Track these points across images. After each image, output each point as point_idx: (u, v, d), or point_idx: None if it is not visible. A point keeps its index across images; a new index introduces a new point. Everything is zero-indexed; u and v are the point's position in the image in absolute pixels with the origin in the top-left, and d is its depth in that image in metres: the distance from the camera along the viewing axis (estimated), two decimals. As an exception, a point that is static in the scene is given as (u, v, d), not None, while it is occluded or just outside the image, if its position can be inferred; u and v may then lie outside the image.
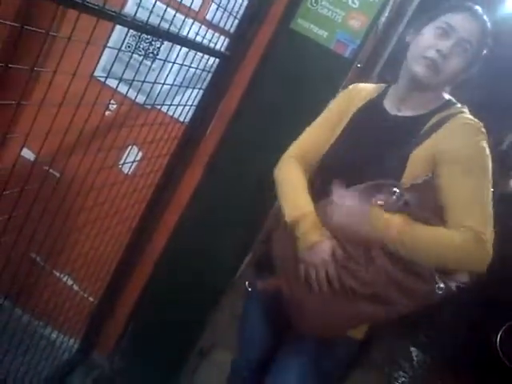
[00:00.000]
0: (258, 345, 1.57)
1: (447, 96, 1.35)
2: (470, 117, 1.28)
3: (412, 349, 4.33)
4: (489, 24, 1.29)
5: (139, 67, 1.41)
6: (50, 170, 1.57)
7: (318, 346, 1.35)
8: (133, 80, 1.33)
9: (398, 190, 1.20)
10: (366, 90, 1.47)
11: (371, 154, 1.31)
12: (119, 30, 1.77)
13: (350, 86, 1.53)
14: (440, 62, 1.26)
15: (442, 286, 1.18)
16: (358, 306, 1.22)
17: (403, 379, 3.81)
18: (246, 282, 1.37)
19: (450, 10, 1.29)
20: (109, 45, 1.61)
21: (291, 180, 1.42)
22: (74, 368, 2.04)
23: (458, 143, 1.23)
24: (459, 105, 1.33)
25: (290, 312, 1.32)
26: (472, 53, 1.27)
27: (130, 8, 1.80)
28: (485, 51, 1.31)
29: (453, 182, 1.21)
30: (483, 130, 1.24)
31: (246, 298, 1.59)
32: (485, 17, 1.28)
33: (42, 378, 1.82)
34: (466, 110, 1.31)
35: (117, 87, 1.30)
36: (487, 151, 1.22)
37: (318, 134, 1.46)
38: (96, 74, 1.50)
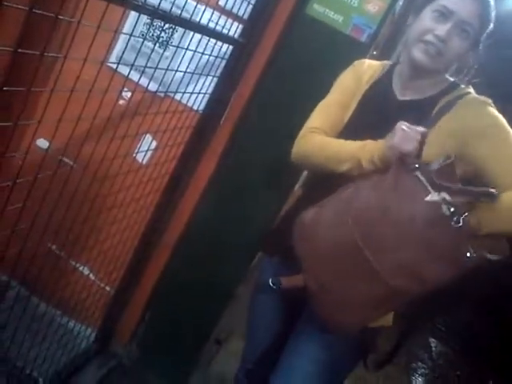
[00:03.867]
0: (269, 331, 1.55)
1: (451, 78, 1.33)
2: (478, 96, 1.28)
3: (431, 340, 4.30)
4: (491, 1, 1.24)
5: (151, 54, 1.40)
6: (64, 159, 1.57)
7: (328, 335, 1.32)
8: (145, 67, 1.32)
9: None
10: (372, 67, 1.44)
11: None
12: (132, 18, 1.76)
13: (355, 62, 1.49)
14: (439, 47, 1.23)
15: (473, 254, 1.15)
16: (388, 284, 1.17)
17: (422, 370, 3.78)
18: (270, 280, 1.31)
19: None
20: (122, 33, 1.60)
21: (329, 141, 1.35)
22: (91, 357, 2.05)
23: (476, 117, 1.24)
24: (463, 85, 1.31)
25: (316, 309, 1.28)
26: (474, 34, 1.24)
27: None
28: (490, 28, 1.27)
29: (492, 152, 1.20)
30: (492, 105, 1.25)
31: (259, 291, 1.57)
32: None
33: (59, 366, 1.83)
34: (471, 90, 1.30)
35: (128, 74, 1.28)
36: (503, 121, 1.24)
37: (333, 112, 1.42)
38: (109, 61, 1.50)
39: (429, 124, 1.23)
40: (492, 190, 1.13)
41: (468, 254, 1.12)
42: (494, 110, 1.24)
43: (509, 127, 1.23)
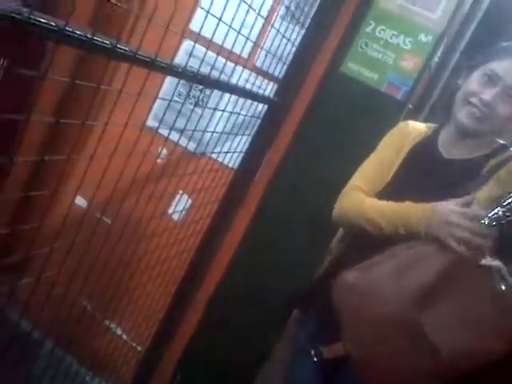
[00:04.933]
0: None
1: (501, 140, 1.30)
2: None
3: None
4: None
5: (191, 115, 1.42)
6: (103, 218, 1.59)
7: None
8: (183, 129, 1.34)
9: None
10: (417, 129, 1.43)
11: (433, 197, 1.25)
12: (170, 79, 1.81)
13: (401, 124, 1.49)
14: (483, 111, 1.23)
15: None
16: (438, 360, 1.11)
17: None
18: (312, 351, 1.27)
19: (497, 55, 1.26)
20: (160, 93, 1.64)
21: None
22: (122, 419, 2.00)
23: None
24: None
25: (358, 374, 1.23)
26: None
27: (180, 57, 1.84)
28: None
29: None
30: None
31: (295, 358, 1.52)
32: None
33: (90, 429, 1.79)
34: None
35: (168, 135, 1.30)
36: None
37: (375, 171, 1.41)
38: (148, 122, 1.53)
39: (478, 184, 1.21)
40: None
41: None
42: None
43: None
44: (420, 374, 1.17)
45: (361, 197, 1.36)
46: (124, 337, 2.00)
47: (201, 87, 1.78)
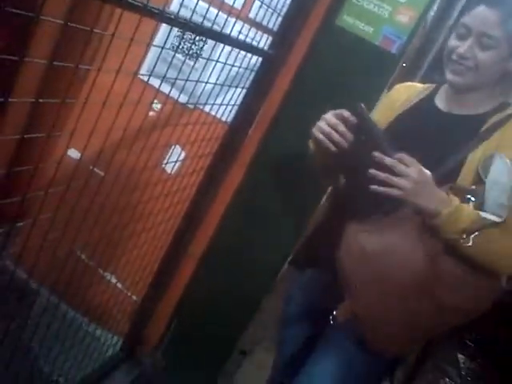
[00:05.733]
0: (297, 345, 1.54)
1: (502, 97, 1.29)
2: None
3: (459, 356, 4.21)
4: None
5: (182, 66, 1.41)
6: (95, 169, 1.60)
7: (362, 352, 1.30)
8: (175, 79, 1.33)
9: (472, 199, 1.15)
10: (415, 88, 1.44)
11: (424, 154, 1.25)
12: (163, 31, 1.78)
13: (397, 85, 1.49)
14: (464, 64, 1.23)
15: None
16: (441, 315, 1.18)
17: (450, 387, 3.71)
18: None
19: (469, 7, 1.25)
20: (153, 45, 1.62)
21: None
22: (118, 365, 2.07)
23: None
24: None
25: (364, 333, 1.25)
26: (500, 45, 1.20)
27: (173, 8, 1.81)
28: None
29: None
30: None
31: (290, 322, 1.57)
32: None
33: (85, 373, 1.85)
34: None
35: (159, 86, 1.30)
36: None
37: None
38: (141, 74, 1.51)
39: (476, 142, 1.20)
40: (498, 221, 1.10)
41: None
42: None
43: None
44: (423, 328, 1.24)
45: None
46: (119, 286, 2.04)
47: (194, 37, 1.76)
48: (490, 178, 1.12)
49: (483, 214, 1.11)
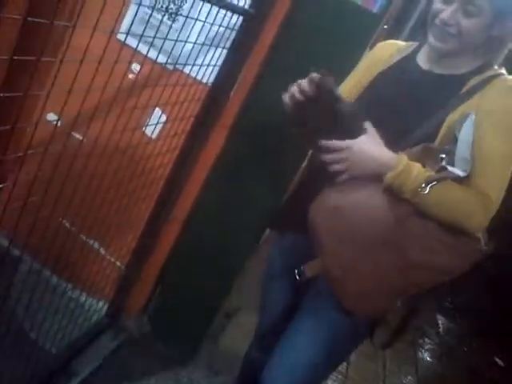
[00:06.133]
0: (279, 309, 1.56)
1: (483, 58, 1.28)
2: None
3: (438, 316, 4.32)
4: None
5: (160, 26, 1.37)
6: (74, 133, 1.56)
7: (340, 314, 1.31)
8: (153, 38, 1.30)
9: (444, 156, 1.16)
10: (397, 45, 1.43)
11: (404, 113, 1.26)
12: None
13: (380, 43, 1.48)
14: (447, 30, 1.21)
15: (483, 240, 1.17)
16: (412, 274, 1.19)
17: (429, 346, 3.81)
18: (296, 271, 1.28)
19: None
20: (130, 4, 1.58)
21: None
22: (103, 330, 2.08)
23: (502, 107, 1.20)
24: (496, 66, 1.27)
25: (337, 293, 1.27)
26: (484, 13, 1.18)
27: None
28: None
29: (486, 143, 1.17)
30: None
31: (271, 280, 1.59)
32: None
33: (71, 339, 1.85)
34: (504, 71, 1.26)
35: (137, 46, 1.26)
36: None
37: (352, 84, 1.42)
38: (119, 36, 1.48)
39: (457, 103, 1.21)
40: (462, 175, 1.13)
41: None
42: None
43: None
44: (394, 287, 1.23)
45: None
46: (102, 252, 2.03)
47: (172, -5, 1.71)
48: (460, 135, 1.15)
49: (450, 168, 1.14)
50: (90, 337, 1.99)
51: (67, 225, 1.66)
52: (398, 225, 1.17)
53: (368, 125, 1.22)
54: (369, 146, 1.19)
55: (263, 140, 1.91)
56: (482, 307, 4.59)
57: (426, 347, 3.78)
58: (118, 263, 2.06)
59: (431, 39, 1.25)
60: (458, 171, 1.13)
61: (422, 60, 1.34)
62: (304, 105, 1.22)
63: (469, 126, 1.14)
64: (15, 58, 0.82)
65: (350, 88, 1.42)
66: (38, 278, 1.50)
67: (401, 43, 1.45)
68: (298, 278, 1.28)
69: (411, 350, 3.65)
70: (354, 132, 1.20)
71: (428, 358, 3.65)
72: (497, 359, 3.97)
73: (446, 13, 1.20)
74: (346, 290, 1.25)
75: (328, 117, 1.19)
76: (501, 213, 1.20)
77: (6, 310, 1.50)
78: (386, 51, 1.42)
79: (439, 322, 4.29)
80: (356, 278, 1.23)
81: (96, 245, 2.03)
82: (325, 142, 1.21)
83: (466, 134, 1.14)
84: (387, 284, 1.23)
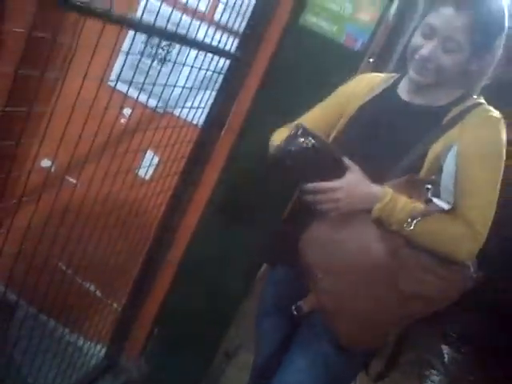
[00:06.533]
0: (273, 345, 1.55)
1: (462, 89, 1.31)
2: (491, 108, 1.26)
3: (443, 346, 4.28)
4: (486, 12, 1.21)
5: (149, 71, 1.42)
6: (69, 178, 1.60)
7: (335, 348, 1.30)
8: (143, 83, 1.35)
9: (430, 187, 1.19)
10: (378, 77, 1.46)
11: (387, 146, 1.28)
12: (130, 37, 1.79)
13: (358, 77, 1.53)
14: (426, 66, 1.24)
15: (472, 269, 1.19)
16: (406, 305, 1.20)
17: (434, 377, 3.76)
18: (293, 307, 1.28)
19: (435, 6, 1.24)
20: (120, 52, 1.64)
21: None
22: (102, 373, 2.06)
23: (482, 137, 1.23)
24: (475, 96, 1.30)
25: (328, 325, 1.27)
26: (463, 49, 1.21)
27: (140, 12, 1.82)
28: (499, 40, 1.25)
29: (470, 173, 1.20)
30: (503, 122, 1.24)
31: (264, 315, 1.60)
32: (479, 5, 1.20)
33: (70, 383, 1.84)
34: (483, 100, 1.29)
35: (127, 91, 1.31)
36: (504, 148, 1.22)
37: (316, 113, 1.48)
38: (110, 82, 1.53)
39: (438, 134, 1.24)
40: (446, 208, 1.16)
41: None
42: (500, 132, 1.23)
43: (503, 157, 1.22)
44: (388, 319, 1.25)
45: (286, 130, 1.41)
46: (99, 294, 2.03)
47: (159, 42, 1.78)
48: (444, 167, 1.18)
49: (435, 200, 1.17)
50: (89, 380, 1.97)
51: (63, 268, 1.68)
52: (390, 256, 1.18)
53: (349, 161, 1.25)
54: (356, 182, 1.22)
55: (255, 178, 1.94)
56: (487, 335, 4.55)
57: (432, 378, 3.73)
58: (115, 305, 2.06)
59: (411, 73, 1.28)
60: (443, 204, 1.16)
61: (403, 91, 1.37)
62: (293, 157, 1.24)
63: (451, 157, 1.18)
64: (7, 109, 0.86)
65: (318, 120, 1.46)
66: (34, 323, 1.51)
67: (381, 75, 1.48)
68: (295, 313, 1.28)
69: (417, 381, 3.60)
70: (339, 171, 1.23)
71: (433, 389, 3.61)
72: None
73: (426, 49, 1.22)
74: (340, 323, 1.25)
75: (315, 163, 1.23)
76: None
77: (4, 355, 1.50)
78: (365, 84, 1.44)
79: (444, 351, 4.24)
80: (350, 311, 1.24)
81: (92, 287, 2.04)
82: (314, 185, 1.22)
83: (449, 165, 1.17)
84: (382, 316, 1.24)
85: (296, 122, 1.34)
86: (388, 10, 1.80)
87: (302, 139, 1.20)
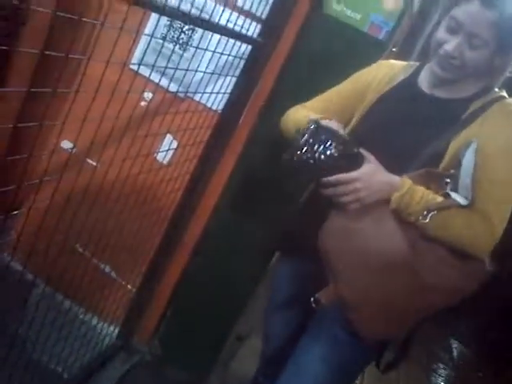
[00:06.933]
0: (285, 334, 1.56)
1: (484, 82, 1.29)
2: None
3: (452, 341, 4.27)
4: None
5: (171, 55, 1.42)
6: (88, 160, 1.61)
7: (350, 338, 1.30)
8: (165, 68, 1.34)
9: (449, 181, 1.19)
10: (397, 66, 1.44)
11: (407, 137, 1.27)
12: (153, 21, 1.79)
13: (380, 61, 1.50)
14: (451, 62, 1.22)
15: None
16: (425, 296, 1.20)
17: (443, 371, 3.76)
18: (312, 299, 1.26)
19: (461, 0, 1.20)
20: (142, 36, 1.63)
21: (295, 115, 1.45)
22: (115, 354, 2.09)
23: (503, 133, 1.21)
24: (497, 89, 1.29)
25: (349, 316, 1.27)
26: (488, 45, 1.19)
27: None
28: None
29: (489, 169, 1.19)
30: None
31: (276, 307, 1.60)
32: (507, 2, 1.17)
33: (83, 362, 1.87)
34: (504, 93, 1.28)
35: (149, 76, 1.31)
36: None
37: (328, 98, 1.50)
38: (132, 65, 1.53)
39: (460, 127, 1.22)
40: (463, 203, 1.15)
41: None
42: None
43: None
44: (407, 310, 1.24)
45: (299, 109, 1.43)
46: (114, 275, 2.06)
47: (182, 27, 1.77)
48: (463, 162, 1.17)
49: (453, 195, 1.16)
50: (102, 360, 2.01)
51: (80, 249, 1.70)
52: (409, 247, 1.18)
53: (365, 152, 1.24)
54: (374, 173, 1.21)
55: (272, 164, 1.94)
56: (497, 330, 4.52)
57: (440, 372, 3.73)
58: (130, 286, 2.09)
59: (435, 67, 1.26)
60: (460, 199, 1.15)
61: (424, 83, 1.35)
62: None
63: (471, 153, 1.16)
64: (32, 90, 0.87)
65: (333, 105, 1.47)
66: (50, 302, 1.53)
67: (401, 63, 1.46)
68: (314, 306, 1.26)
69: (424, 375, 3.60)
70: (357, 163, 1.22)
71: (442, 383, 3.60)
72: (513, 384, 3.90)
73: (451, 45, 1.20)
74: (360, 315, 1.25)
75: (332, 161, 1.21)
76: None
77: (19, 334, 1.53)
78: (384, 72, 1.42)
79: (453, 346, 4.23)
80: (370, 302, 1.23)
81: (107, 268, 2.06)
82: (333, 178, 1.21)
83: (467, 161, 1.16)
84: (401, 307, 1.23)
85: (311, 117, 1.32)
86: (413, -1, 1.78)
87: (318, 137, 1.19)
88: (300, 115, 1.44)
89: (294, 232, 1.52)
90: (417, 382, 3.44)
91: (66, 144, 1.87)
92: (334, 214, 1.26)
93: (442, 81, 1.30)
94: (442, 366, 3.82)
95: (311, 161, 1.18)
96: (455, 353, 4.13)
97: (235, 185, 1.99)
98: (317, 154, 1.18)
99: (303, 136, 1.19)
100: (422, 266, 1.18)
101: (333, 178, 1.20)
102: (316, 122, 1.21)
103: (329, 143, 1.18)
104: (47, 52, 0.86)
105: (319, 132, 1.19)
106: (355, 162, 1.22)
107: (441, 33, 1.24)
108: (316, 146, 1.18)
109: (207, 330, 2.12)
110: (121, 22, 1.04)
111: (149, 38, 1.27)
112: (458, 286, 1.20)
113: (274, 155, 1.91)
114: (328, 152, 1.18)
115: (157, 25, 1.22)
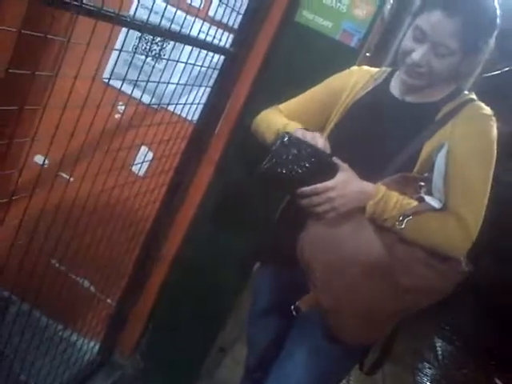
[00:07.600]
0: (268, 341, 1.56)
1: (454, 85, 1.32)
2: (482, 105, 1.27)
3: (436, 339, 4.30)
4: (477, 14, 1.19)
5: (143, 67, 1.42)
6: (62, 174, 1.59)
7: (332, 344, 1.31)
8: (136, 80, 1.34)
9: (423, 184, 1.20)
10: (370, 72, 1.45)
11: (380, 143, 1.29)
12: (124, 33, 1.78)
13: (353, 68, 1.51)
14: (418, 71, 1.24)
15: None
16: (404, 298, 1.21)
17: (428, 370, 3.78)
18: (292, 307, 1.26)
19: (424, 8, 1.22)
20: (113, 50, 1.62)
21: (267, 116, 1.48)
22: (96, 370, 2.06)
23: (473, 134, 1.23)
24: (467, 91, 1.31)
25: (329, 323, 1.27)
26: (455, 53, 1.20)
27: (133, 11, 1.80)
28: (491, 39, 1.25)
29: (460, 170, 1.21)
30: (494, 118, 1.25)
31: (257, 315, 1.60)
32: (469, 8, 1.18)
33: (63, 380, 1.84)
34: (474, 96, 1.30)
35: (121, 88, 1.30)
36: (495, 144, 1.24)
37: (300, 102, 1.51)
38: (104, 78, 1.52)
39: (432, 130, 1.24)
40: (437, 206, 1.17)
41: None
42: (491, 128, 1.24)
43: (494, 154, 1.23)
44: (386, 314, 1.26)
45: (273, 112, 1.45)
46: (92, 289, 2.03)
47: (153, 39, 1.76)
48: (435, 166, 1.18)
49: (427, 199, 1.17)
50: (83, 377, 1.97)
51: (56, 264, 1.67)
52: (386, 252, 1.19)
53: (338, 160, 1.25)
54: (348, 181, 1.22)
55: (249, 174, 1.94)
56: (480, 328, 4.57)
57: (425, 371, 3.75)
58: (109, 300, 2.06)
59: (403, 75, 1.28)
60: (434, 203, 1.16)
61: (395, 89, 1.37)
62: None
63: (442, 156, 1.18)
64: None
65: (303, 112, 1.48)
66: (27, 319, 1.50)
67: (372, 70, 1.47)
68: (294, 314, 1.27)
69: (410, 374, 3.62)
70: (331, 172, 1.23)
71: (427, 383, 3.62)
72: (497, 381, 3.94)
73: (417, 54, 1.21)
74: (341, 321, 1.26)
75: (305, 171, 1.21)
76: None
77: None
78: (356, 79, 1.44)
79: (437, 344, 4.26)
80: (350, 308, 1.24)
81: (86, 283, 2.03)
82: (308, 188, 1.21)
83: (439, 164, 1.18)
84: (381, 311, 1.24)
85: (281, 129, 1.35)
86: (383, 5, 1.79)
87: (291, 149, 1.19)
88: (272, 119, 1.45)
89: (272, 242, 1.52)
90: (402, 382, 3.45)
91: (40, 159, 1.85)
92: (311, 223, 1.27)
93: (411, 88, 1.31)
94: (427, 365, 3.85)
95: (284, 172, 1.19)
96: (440, 351, 4.17)
97: (213, 196, 1.99)
98: (290, 166, 1.18)
99: (276, 148, 1.19)
100: (401, 270, 1.19)
101: (307, 189, 1.21)
102: (288, 133, 1.22)
103: (301, 154, 1.19)
104: (12, 70, 0.84)
105: (291, 143, 1.20)
106: (329, 171, 1.22)
107: (408, 41, 1.25)
108: (289, 158, 1.18)
109: (190, 342, 2.11)
110: (89, 36, 1.03)
111: (117, 50, 1.26)
112: (435, 287, 1.22)
113: (252, 162, 1.92)
114: (301, 163, 1.19)
115: (126, 37, 1.21)
